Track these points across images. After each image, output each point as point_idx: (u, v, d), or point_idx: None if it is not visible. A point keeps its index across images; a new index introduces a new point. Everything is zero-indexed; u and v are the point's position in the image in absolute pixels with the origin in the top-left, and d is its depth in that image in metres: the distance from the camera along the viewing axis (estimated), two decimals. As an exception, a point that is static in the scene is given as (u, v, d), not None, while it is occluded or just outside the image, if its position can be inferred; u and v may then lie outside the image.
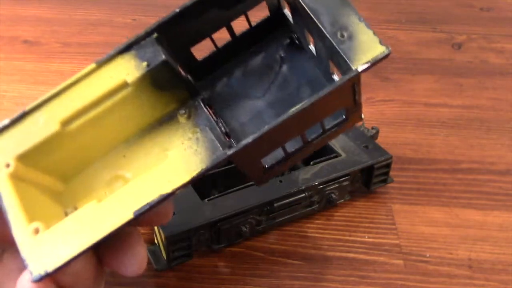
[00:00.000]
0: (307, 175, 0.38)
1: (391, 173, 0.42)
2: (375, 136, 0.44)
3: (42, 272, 0.23)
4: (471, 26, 0.70)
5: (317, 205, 0.39)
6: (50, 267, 0.23)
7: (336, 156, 0.40)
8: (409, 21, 0.71)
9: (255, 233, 0.38)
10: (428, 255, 0.38)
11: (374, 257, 0.37)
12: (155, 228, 0.35)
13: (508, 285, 0.36)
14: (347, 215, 0.41)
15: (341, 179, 0.39)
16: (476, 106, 0.54)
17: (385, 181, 0.42)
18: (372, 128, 0.44)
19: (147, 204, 0.23)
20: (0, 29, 0.65)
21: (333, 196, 0.39)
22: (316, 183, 0.38)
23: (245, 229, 0.36)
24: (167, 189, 0.23)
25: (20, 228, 0.24)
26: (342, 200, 0.41)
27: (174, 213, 0.35)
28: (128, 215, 0.23)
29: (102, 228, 0.23)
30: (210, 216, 0.35)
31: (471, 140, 0.49)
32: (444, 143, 0.49)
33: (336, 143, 0.42)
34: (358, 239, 0.39)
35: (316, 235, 0.39)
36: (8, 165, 0.25)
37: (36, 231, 0.24)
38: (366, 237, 0.39)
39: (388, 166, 0.41)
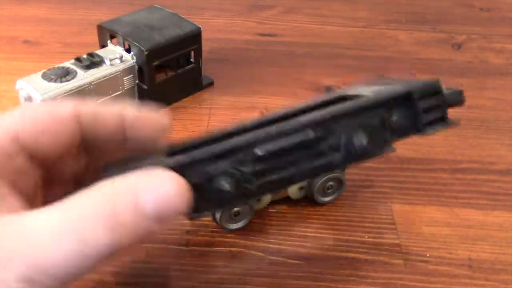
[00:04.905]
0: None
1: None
2: None
3: None
4: (471, 26, 0.70)
5: (334, 154, 0.26)
6: None
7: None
8: (409, 21, 0.71)
9: (248, 194, 0.26)
10: (428, 255, 0.38)
11: (374, 257, 0.37)
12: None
13: (508, 285, 0.36)
14: (347, 215, 0.41)
15: (369, 113, 0.26)
16: (476, 106, 0.54)
17: (444, 120, 0.28)
18: None
19: None
20: (0, 29, 0.65)
21: (364, 142, 0.27)
22: (329, 116, 0.26)
23: (227, 185, 0.25)
24: None
25: None
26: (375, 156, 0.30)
27: None
28: None
29: None
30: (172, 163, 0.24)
31: (471, 140, 0.49)
32: (444, 143, 0.49)
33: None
34: (358, 239, 0.39)
35: (316, 235, 0.39)
36: None
37: None
38: (366, 237, 0.39)
39: (438, 93, 0.27)
